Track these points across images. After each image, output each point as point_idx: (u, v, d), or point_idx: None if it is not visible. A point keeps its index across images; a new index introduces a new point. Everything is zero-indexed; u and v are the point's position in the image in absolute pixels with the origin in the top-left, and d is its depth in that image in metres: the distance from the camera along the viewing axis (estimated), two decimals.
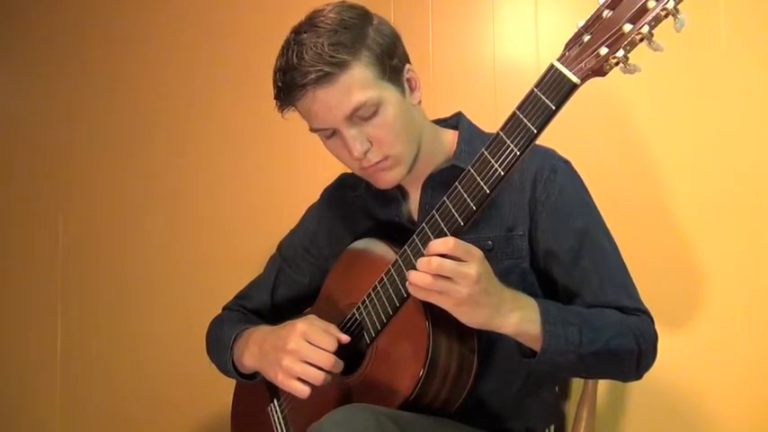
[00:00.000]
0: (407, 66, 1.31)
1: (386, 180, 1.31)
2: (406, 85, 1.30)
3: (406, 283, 1.13)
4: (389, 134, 1.26)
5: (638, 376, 1.26)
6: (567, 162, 1.35)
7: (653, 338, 1.25)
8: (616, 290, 1.27)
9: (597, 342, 1.16)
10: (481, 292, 1.08)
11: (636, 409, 1.71)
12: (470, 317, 1.11)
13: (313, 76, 1.20)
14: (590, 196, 1.34)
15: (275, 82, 1.28)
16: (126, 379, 2.27)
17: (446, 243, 1.09)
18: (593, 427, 1.45)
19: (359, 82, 1.22)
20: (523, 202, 1.31)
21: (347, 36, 1.22)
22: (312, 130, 1.30)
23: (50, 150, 2.42)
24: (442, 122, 1.45)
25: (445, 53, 1.95)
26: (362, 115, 1.23)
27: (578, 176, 1.35)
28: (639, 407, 1.71)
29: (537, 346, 1.14)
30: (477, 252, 1.09)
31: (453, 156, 1.35)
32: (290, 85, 1.23)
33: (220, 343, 1.47)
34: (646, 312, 1.28)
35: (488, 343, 1.26)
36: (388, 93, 1.26)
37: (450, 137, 1.40)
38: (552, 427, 1.50)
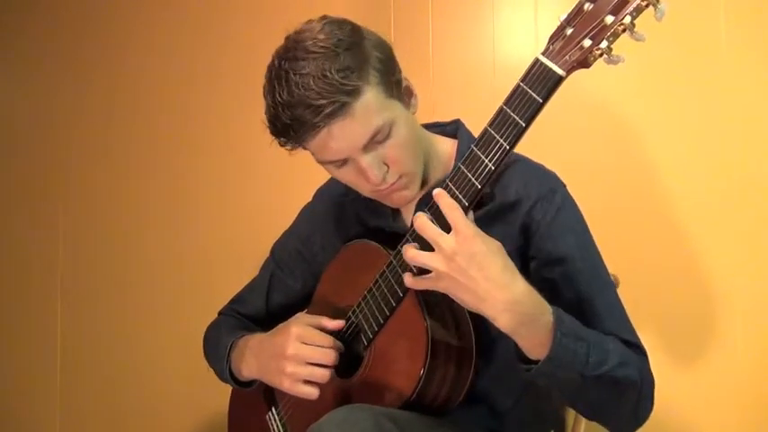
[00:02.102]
0: (403, 75, 1.26)
1: (403, 198, 1.27)
2: (405, 97, 1.26)
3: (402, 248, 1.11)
4: (404, 153, 1.22)
5: (634, 422, 1.19)
6: (564, 185, 1.32)
7: (652, 381, 1.20)
8: (615, 321, 1.22)
9: (603, 366, 1.09)
10: (458, 271, 1.03)
11: None
12: (454, 295, 1.07)
13: (328, 110, 1.12)
14: (585, 222, 1.30)
15: (277, 118, 1.17)
16: (126, 379, 2.28)
17: (441, 195, 1.07)
18: (592, 429, 1.42)
19: (373, 106, 1.16)
20: (517, 222, 1.27)
21: (351, 58, 1.14)
22: (321, 162, 1.24)
23: (51, 150, 2.44)
24: (439, 128, 1.41)
25: (445, 53, 1.95)
26: (378, 140, 1.18)
27: (574, 201, 1.31)
28: None
29: (538, 354, 1.07)
30: (465, 229, 1.03)
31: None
32: (300, 122, 1.14)
33: (217, 351, 1.46)
34: (644, 351, 1.22)
35: (488, 345, 1.24)
36: (397, 110, 1.21)
37: (449, 148, 1.36)
38: None
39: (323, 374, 1.21)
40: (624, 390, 1.14)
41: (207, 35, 2.24)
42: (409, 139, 1.23)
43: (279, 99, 1.15)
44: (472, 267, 1.03)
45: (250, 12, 2.17)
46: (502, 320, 1.05)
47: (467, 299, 1.06)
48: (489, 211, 1.27)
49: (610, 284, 1.27)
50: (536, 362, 1.08)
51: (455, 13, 1.94)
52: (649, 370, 1.20)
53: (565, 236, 1.26)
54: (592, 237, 1.29)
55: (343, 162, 1.21)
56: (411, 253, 1.08)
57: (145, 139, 2.32)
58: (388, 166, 1.21)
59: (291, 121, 1.15)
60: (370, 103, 1.15)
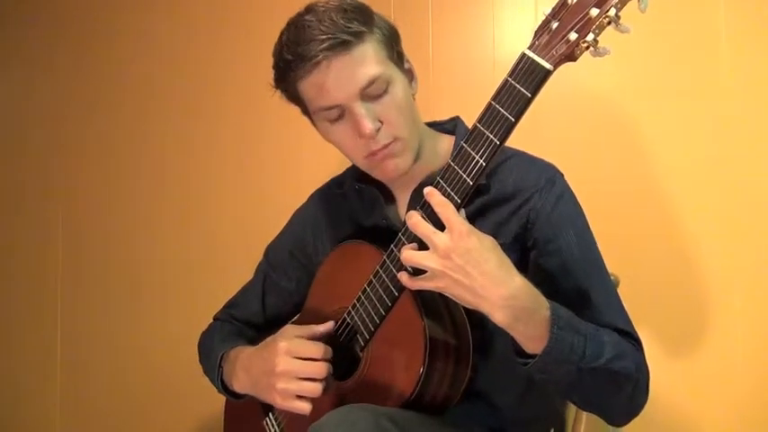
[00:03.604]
0: (407, 58, 1.31)
1: (395, 166, 1.27)
2: (407, 75, 1.30)
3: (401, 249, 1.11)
4: (399, 114, 1.24)
5: (629, 413, 1.20)
6: (563, 176, 1.32)
7: (647, 371, 1.20)
8: (611, 311, 1.23)
9: (600, 359, 1.10)
10: (455, 269, 1.04)
11: None
12: (456, 297, 1.07)
13: (328, 44, 1.17)
14: (583, 213, 1.31)
15: (281, 58, 1.24)
16: (125, 380, 2.28)
17: (433, 193, 1.08)
18: (593, 428, 1.42)
19: (373, 56, 1.21)
20: (514, 213, 1.28)
21: (358, 14, 1.21)
22: (317, 110, 1.26)
23: (51, 150, 2.44)
24: (438, 126, 1.42)
25: (445, 53, 1.94)
26: (373, 92, 1.21)
27: (572, 192, 1.32)
28: None
29: (535, 348, 1.08)
30: (459, 226, 1.04)
31: None
32: (301, 57, 1.19)
33: (209, 361, 1.47)
34: (639, 341, 1.23)
35: (485, 341, 1.24)
36: (397, 74, 1.25)
37: (446, 143, 1.37)
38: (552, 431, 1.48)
39: (314, 389, 1.21)
40: (620, 381, 1.14)
41: (213, 36, 2.24)
42: (405, 104, 1.25)
43: (284, 40, 1.23)
44: (468, 264, 1.03)
45: (254, 12, 2.17)
46: (498, 316, 1.05)
47: (463, 296, 1.06)
48: (485, 202, 1.28)
49: (606, 275, 1.28)
50: (533, 356, 1.09)
51: (455, 13, 1.93)
52: (645, 361, 1.20)
53: (563, 226, 1.26)
54: (589, 227, 1.30)
55: (339, 114, 1.24)
56: (406, 254, 1.09)
57: (145, 139, 2.32)
58: (381, 124, 1.23)
59: (293, 57, 1.21)
60: (371, 51, 1.21)
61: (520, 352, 1.11)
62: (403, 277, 1.12)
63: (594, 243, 1.29)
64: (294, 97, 1.30)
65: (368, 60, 1.20)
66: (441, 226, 1.06)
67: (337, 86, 1.20)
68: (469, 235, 1.04)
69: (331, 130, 1.28)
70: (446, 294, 1.08)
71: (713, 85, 1.67)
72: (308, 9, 1.23)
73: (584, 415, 1.41)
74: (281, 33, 1.25)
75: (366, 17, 1.22)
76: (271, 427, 1.41)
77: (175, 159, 2.27)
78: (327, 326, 1.28)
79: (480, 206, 1.27)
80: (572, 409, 1.47)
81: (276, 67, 1.27)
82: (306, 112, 1.33)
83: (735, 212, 1.64)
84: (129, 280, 2.30)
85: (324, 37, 1.17)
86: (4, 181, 2.52)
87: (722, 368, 1.63)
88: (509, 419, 1.32)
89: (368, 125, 1.21)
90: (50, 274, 2.39)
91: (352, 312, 1.27)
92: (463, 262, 1.03)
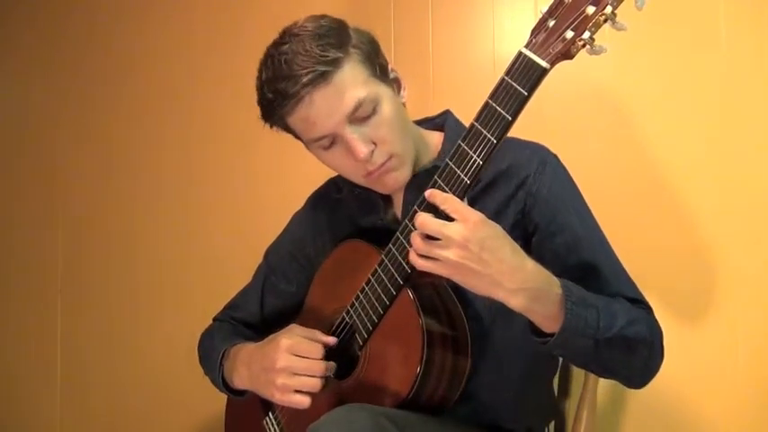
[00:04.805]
0: (391, 66, 1.31)
1: (395, 180, 1.28)
2: (393, 85, 1.30)
3: (408, 251, 1.10)
4: (391, 132, 1.23)
5: (646, 375, 1.22)
6: (556, 156, 1.33)
7: (661, 332, 1.21)
8: (619, 282, 1.24)
9: (613, 328, 1.11)
10: (473, 258, 1.03)
11: (636, 409, 1.69)
12: (470, 286, 1.07)
13: (307, 78, 1.17)
14: (578, 189, 1.32)
15: (263, 96, 1.25)
16: (125, 380, 2.28)
17: (435, 194, 1.08)
18: (593, 427, 1.42)
19: (355, 79, 1.20)
20: (512, 196, 1.29)
21: (333, 38, 1.20)
22: (309, 142, 1.27)
23: (51, 150, 2.44)
24: (429, 122, 1.43)
25: (445, 53, 1.94)
26: (361, 115, 1.21)
27: (567, 170, 1.33)
28: (640, 406, 1.68)
29: (552, 327, 1.09)
30: (472, 216, 1.04)
31: (438, 156, 1.34)
32: (282, 95, 1.19)
33: (210, 359, 1.47)
34: (649, 306, 1.25)
35: (482, 338, 1.25)
36: (382, 90, 1.24)
37: (436, 138, 1.38)
38: (552, 426, 1.48)
39: (314, 384, 1.21)
40: (636, 346, 1.16)
41: (212, 36, 2.24)
42: (396, 119, 1.25)
43: (263, 78, 1.24)
44: (485, 252, 1.03)
45: (252, 15, 2.17)
46: (515, 301, 1.06)
47: (478, 284, 1.06)
48: (481, 189, 1.29)
49: (609, 247, 1.29)
50: (550, 335, 1.10)
51: (455, 13, 1.93)
52: (657, 324, 1.22)
53: (562, 206, 1.28)
54: (586, 202, 1.32)
55: (331, 142, 1.24)
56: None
57: (144, 139, 2.32)
58: (375, 145, 1.23)
59: (274, 95, 1.21)
60: (351, 75, 1.20)
61: (537, 332, 1.12)
62: (412, 256, 1.08)
63: (593, 217, 1.30)
64: (285, 129, 1.30)
65: (349, 86, 1.19)
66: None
67: (323, 118, 1.20)
68: (484, 224, 1.05)
69: (326, 156, 1.28)
70: (456, 281, 1.07)
71: (712, 81, 1.67)
72: (283, 38, 1.23)
73: (585, 414, 1.42)
74: (260, 67, 1.25)
75: (342, 38, 1.21)
76: (270, 426, 1.42)
77: (175, 160, 2.27)
78: (330, 339, 1.27)
79: (475, 194, 1.28)
80: (572, 407, 1.48)
81: (260, 104, 1.27)
82: (299, 139, 1.33)
83: (734, 207, 1.64)
84: (129, 280, 2.30)
85: (302, 72, 1.17)
86: (4, 181, 2.52)
87: (723, 361, 1.64)
88: (508, 414, 1.33)
89: (362, 150, 1.21)
90: (50, 275, 2.39)
91: (351, 312, 1.28)
92: (479, 250, 1.03)
